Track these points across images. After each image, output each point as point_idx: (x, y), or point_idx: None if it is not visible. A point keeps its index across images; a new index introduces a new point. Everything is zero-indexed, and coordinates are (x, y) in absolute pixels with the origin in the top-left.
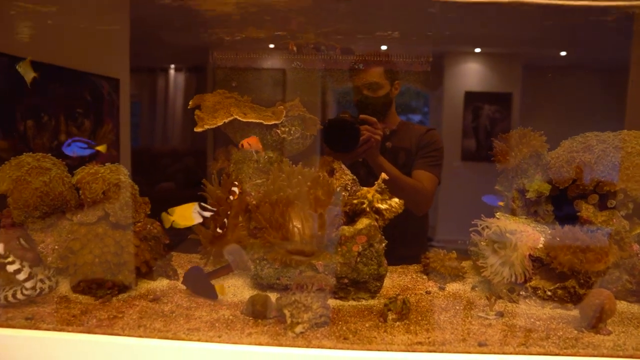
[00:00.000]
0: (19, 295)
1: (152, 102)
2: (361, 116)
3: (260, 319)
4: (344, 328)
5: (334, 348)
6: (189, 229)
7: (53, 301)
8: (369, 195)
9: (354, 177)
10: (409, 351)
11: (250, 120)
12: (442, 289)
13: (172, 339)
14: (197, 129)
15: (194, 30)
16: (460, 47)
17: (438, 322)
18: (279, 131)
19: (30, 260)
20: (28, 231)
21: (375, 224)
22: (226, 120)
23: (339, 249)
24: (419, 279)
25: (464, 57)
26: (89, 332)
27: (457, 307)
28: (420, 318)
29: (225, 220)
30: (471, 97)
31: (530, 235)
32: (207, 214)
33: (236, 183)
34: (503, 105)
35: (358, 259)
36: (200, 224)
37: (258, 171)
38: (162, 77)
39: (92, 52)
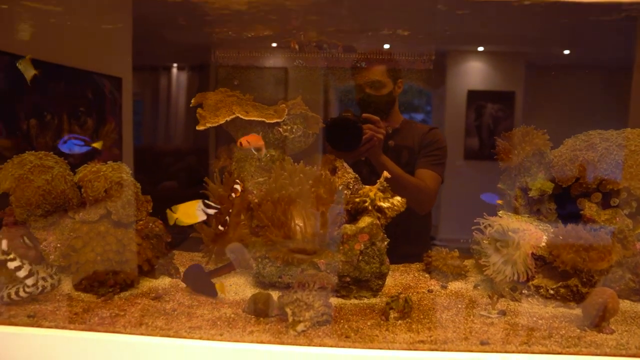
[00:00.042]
0: (22, 293)
1: (155, 101)
2: (364, 115)
3: (262, 317)
4: (346, 326)
5: (335, 346)
6: (192, 227)
7: (55, 299)
8: (371, 194)
9: (356, 175)
10: (410, 350)
11: (252, 118)
12: (444, 287)
13: (173, 337)
14: (199, 127)
15: (195, 28)
16: (463, 46)
17: (440, 320)
18: (281, 129)
19: (32, 258)
20: (30, 229)
21: (378, 222)
22: (228, 119)
23: (341, 248)
24: (421, 277)
25: (466, 55)
26: (90, 330)
27: (459, 306)
28: (422, 316)
29: (227, 217)
30: (474, 96)
31: (532, 233)
32: (211, 211)
33: (238, 181)
34: (506, 104)
35: (360, 258)
36: (203, 222)
37: (260, 169)
38: (165, 76)
39: (95, 50)
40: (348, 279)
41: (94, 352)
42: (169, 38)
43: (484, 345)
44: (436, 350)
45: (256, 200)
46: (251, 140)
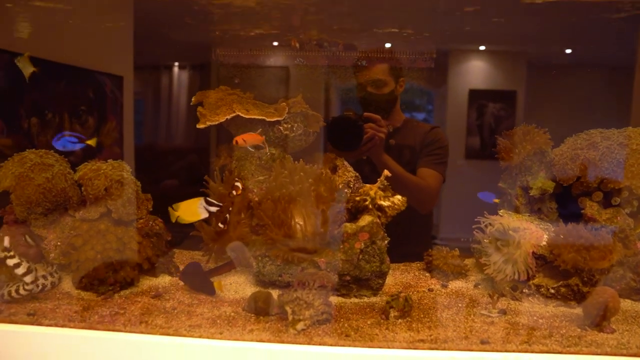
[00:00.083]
0: (21, 291)
1: (156, 100)
2: (365, 114)
3: (262, 315)
4: (346, 325)
5: (335, 345)
6: (192, 226)
7: (55, 297)
8: (372, 192)
9: (357, 174)
10: (410, 349)
11: (252, 116)
12: (444, 286)
13: (173, 335)
14: (199, 126)
15: (196, 26)
16: (465, 45)
17: (440, 319)
18: (281, 128)
19: (33, 256)
20: (31, 228)
21: (378, 221)
22: (228, 117)
23: (342, 246)
24: (421, 276)
25: (468, 54)
26: (90, 329)
27: (460, 305)
28: (422, 315)
29: (227, 215)
30: (475, 95)
31: (533, 232)
32: (213, 208)
33: (238, 180)
34: (507, 103)
35: (360, 256)
36: (203, 220)
37: (260, 168)
38: (166, 75)
39: (96, 49)
40: (348, 278)
41: (93, 350)
42: (170, 36)
43: (484, 344)
44: (436, 349)
45: (256, 199)
46: (247, 139)
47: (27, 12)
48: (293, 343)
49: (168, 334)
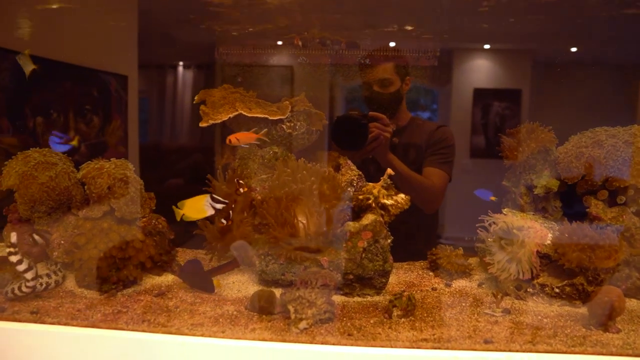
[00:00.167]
0: (24, 289)
1: (160, 99)
2: (370, 113)
3: (265, 314)
4: (349, 324)
5: (338, 344)
6: (196, 226)
7: (58, 295)
8: (375, 191)
9: (360, 172)
10: (413, 348)
11: (255, 115)
12: (448, 285)
13: (175, 334)
14: (202, 124)
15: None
16: (469, 43)
17: (444, 318)
18: (284, 126)
19: (36, 255)
20: (34, 226)
21: (381, 219)
22: (231, 116)
23: (344, 245)
24: (425, 275)
25: (472, 53)
26: (93, 327)
27: (464, 304)
28: (425, 315)
29: (230, 212)
30: (480, 94)
31: (537, 231)
32: (220, 206)
33: (241, 182)
34: (512, 102)
35: (363, 255)
36: (206, 219)
37: (263, 166)
38: (170, 74)
39: (100, 49)
40: (351, 277)
41: (96, 348)
42: (175, 36)
43: (488, 343)
44: (439, 348)
45: (259, 198)
46: (241, 138)
47: (32, 13)
48: (295, 342)
49: (170, 333)
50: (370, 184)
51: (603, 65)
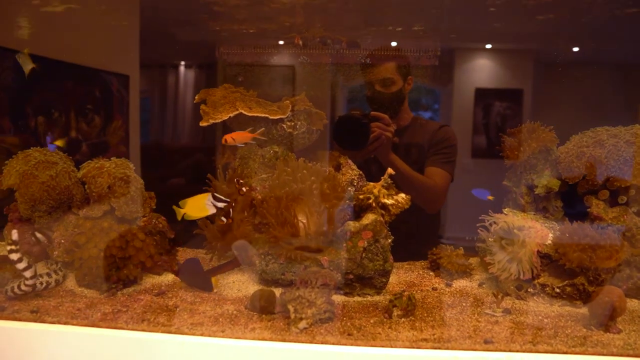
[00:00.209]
0: (23, 287)
1: (162, 98)
2: (372, 113)
3: (265, 314)
4: (349, 324)
5: (337, 344)
6: (196, 225)
7: (58, 295)
8: (375, 191)
9: (360, 172)
10: (413, 348)
11: (255, 114)
12: (448, 285)
13: (175, 333)
14: (202, 124)
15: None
16: (471, 43)
17: (444, 318)
18: (284, 126)
19: (37, 254)
20: (35, 226)
21: (381, 219)
22: (231, 115)
23: (345, 245)
24: (425, 275)
25: (474, 53)
26: (93, 326)
27: (464, 304)
28: (425, 314)
29: (231, 209)
30: (482, 94)
31: (538, 231)
32: (221, 204)
33: (242, 182)
34: (514, 102)
35: (363, 255)
36: (206, 219)
37: (264, 166)
38: (172, 73)
39: (102, 49)
40: (351, 276)
41: (96, 347)
42: (176, 35)
43: (488, 344)
44: (439, 348)
45: (259, 197)
46: (236, 137)
47: (34, 13)
48: (295, 342)
49: (170, 332)
50: (370, 183)
51: (605, 65)
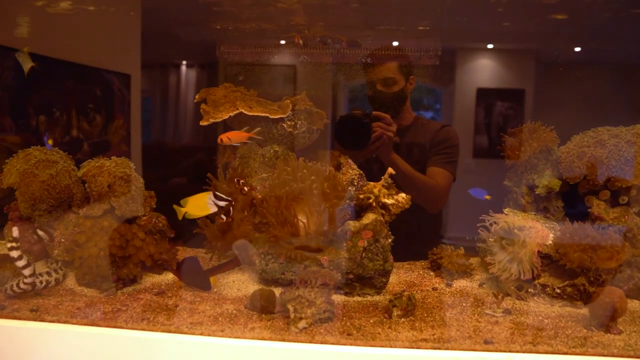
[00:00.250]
0: (22, 285)
1: (163, 98)
2: (374, 113)
3: (264, 313)
4: (348, 324)
5: (337, 344)
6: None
7: (58, 294)
8: (375, 190)
9: (361, 172)
10: (413, 348)
11: (255, 114)
12: (449, 285)
13: (175, 332)
14: (203, 123)
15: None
16: (473, 43)
17: (444, 319)
18: (285, 125)
19: (37, 253)
20: (35, 225)
21: (382, 219)
22: (232, 114)
23: (345, 244)
24: (426, 275)
25: (476, 53)
26: (92, 325)
27: (464, 304)
28: (425, 315)
29: (231, 208)
30: (483, 94)
31: (539, 231)
32: (223, 203)
33: (242, 182)
34: (516, 102)
35: (363, 255)
36: (207, 218)
37: (264, 165)
38: (173, 73)
39: (103, 48)
40: (351, 276)
41: (95, 346)
42: (178, 34)
43: (488, 344)
44: (439, 349)
45: (259, 197)
46: (232, 137)
47: (35, 12)
48: (294, 341)
49: (169, 331)
50: (371, 183)
51: (606, 65)
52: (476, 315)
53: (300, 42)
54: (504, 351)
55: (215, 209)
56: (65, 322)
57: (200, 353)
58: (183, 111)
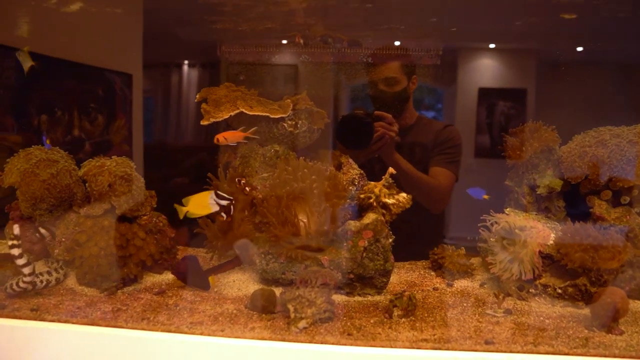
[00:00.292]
0: (21, 284)
1: (165, 97)
2: (376, 112)
3: (265, 313)
4: (349, 324)
5: (337, 344)
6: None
7: (59, 293)
8: (376, 190)
9: (361, 171)
10: (413, 348)
11: (256, 113)
12: (450, 285)
13: (175, 332)
14: (203, 122)
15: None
16: (474, 43)
17: (444, 319)
18: (285, 125)
19: (38, 252)
20: (36, 224)
21: (382, 218)
22: (232, 114)
23: (345, 244)
24: (427, 275)
25: (477, 52)
26: (92, 324)
27: (465, 304)
28: (426, 315)
29: (231, 207)
30: (485, 94)
31: (540, 231)
32: (224, 202)
33: (243, 182)
34: (517, 102)
35: (364, 254)
36: (207, 218)
37: (264, 165)
38: (175, 73)
39: (105, 47)
40: (352, 276)
41: (95, 346)
42: (179, 34)
43: (489, 344)
44: (440, 349)
45: (260, 196)
46: (228, 137)
47: (37, 11)
48: (295, 341)
49: (169, 331)
50: (371, 182)
51: (608, 65)
52: (477, 316)
53: (301, 41)
54: (505, 352)
55: (217, 208)
56: (65, 321)
57: (200, 353)
58: (185, 111)
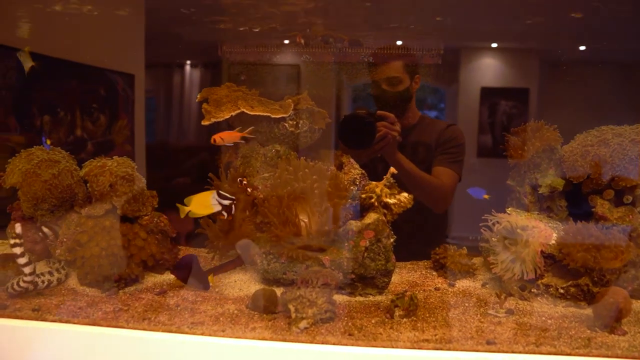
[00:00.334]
0: (22, 283)
1: (167, 98)
2: (378, 112)
3: (266, 313)
4: (350, 324)
5: (338, 344)
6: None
7: (60, 293)
8: (377, 190)
9: (363, 171)
10: (415, 348)
11: (257, 113)
12: (451, 285)
13: (176, 332)
14: (204, 122)
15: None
16: (476, 42)
17: (446, 319)
18: (286, 125)
19: (39, 252)
20: (37, 224)
21: (384, 218)
22: (233, 114)
23: (347, 244)
24: (428, 275)
25: (480, 52)
26: (94, 325)
27: (466, 304)
28: (427, 315)
29: (233, 206)
30: (487, 93)
31: (542, 231)
32: (227, 202)
33: (245, 182)
34: (520, 101)
35: (365, 254)
36: (208, 217)
37: (265, 165)
38: (177, 73)
39: (107, 48)
40: (353, 276)
41: (96, 346)
42: (181, 34)
43: (490, 345)
44: (441, 349)
45: (261, 196)
46: (225, 137)
47: (39, 12)
48: (296, 341)
49: (170, 331)
50: (373, 182)
51: (611, 64)
52: (479, 316)
53: (302, 41)
54: (507, 352)
55: (219, 208)
56: (67, 321)
57: (201, 353)
58: (187, 111)
